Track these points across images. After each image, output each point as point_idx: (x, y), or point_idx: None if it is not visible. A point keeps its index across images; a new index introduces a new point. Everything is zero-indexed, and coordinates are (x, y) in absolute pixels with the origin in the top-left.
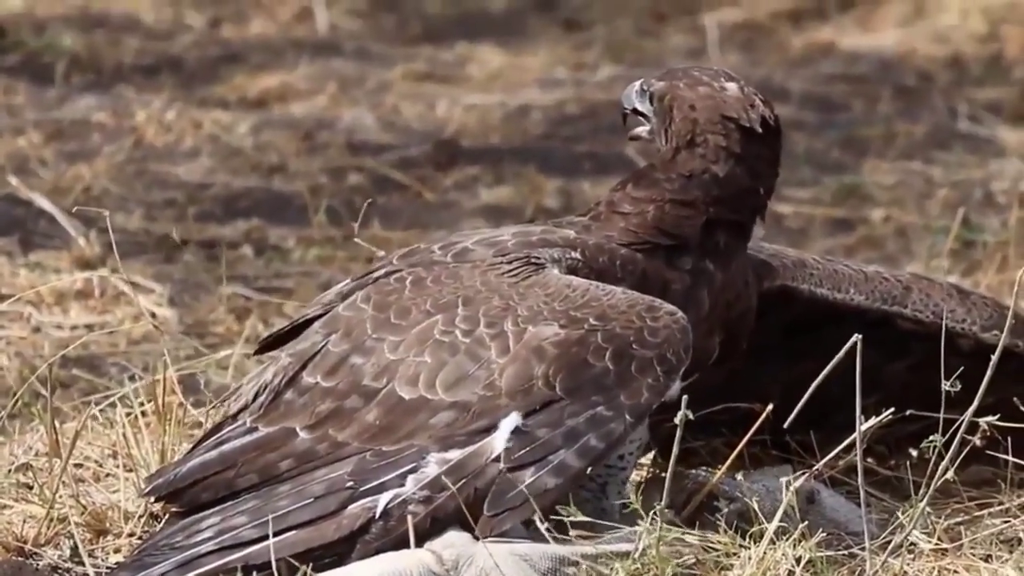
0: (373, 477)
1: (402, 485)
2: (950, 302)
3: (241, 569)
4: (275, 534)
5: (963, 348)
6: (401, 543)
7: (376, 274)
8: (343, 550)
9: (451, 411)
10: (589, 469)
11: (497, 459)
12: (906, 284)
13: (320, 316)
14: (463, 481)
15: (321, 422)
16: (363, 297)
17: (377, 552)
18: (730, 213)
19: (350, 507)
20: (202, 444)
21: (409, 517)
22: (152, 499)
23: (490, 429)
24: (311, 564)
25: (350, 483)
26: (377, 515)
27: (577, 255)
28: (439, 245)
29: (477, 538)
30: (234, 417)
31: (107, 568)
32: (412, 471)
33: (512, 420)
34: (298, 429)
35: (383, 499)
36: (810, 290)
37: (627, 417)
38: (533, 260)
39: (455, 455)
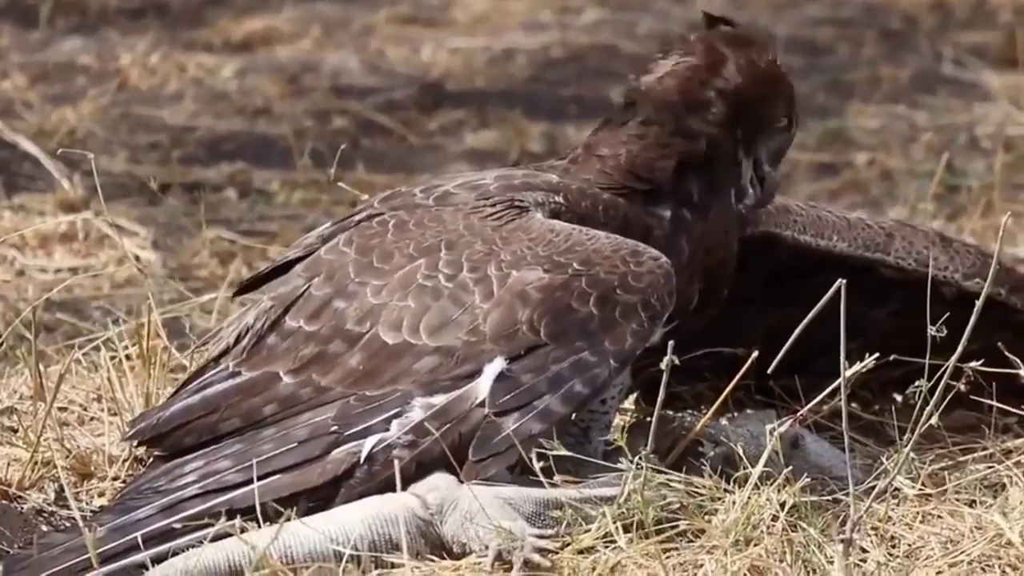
0: (357, 422)
1: (387, 430)
2: (933, 250)
3: (225, 513)
4: (259, 478)
5: (946, 295)
6: (386, 487)
7: (357, 217)
8: (327, 494)
9: (435, 356)
10: (573, 415)
11: (482, 404)
12: (889, 231)
13: (301, 259)
14: (447, 426)
15: (304, 366)
16: (345, 240)
17: (361, 496)
18: (696, 157)
19: (334, 452)
20: (185, 388)
21: (396, 462)
22: (135, 443)
23: (474, 374)
24: (295, 508)
25: (334, 427)
26: (362, 459)
27: (560, 199)
28: (421, 188)
29: (462, 482)
30: (216, 361)
31: (91, 511)
32: (396, 416)
33: (496, 365)
34: (281, 373)
35: (368, 443)
36: (793, 237)
37: (611, 362)
38: (516, 203)
39: (439, 400)
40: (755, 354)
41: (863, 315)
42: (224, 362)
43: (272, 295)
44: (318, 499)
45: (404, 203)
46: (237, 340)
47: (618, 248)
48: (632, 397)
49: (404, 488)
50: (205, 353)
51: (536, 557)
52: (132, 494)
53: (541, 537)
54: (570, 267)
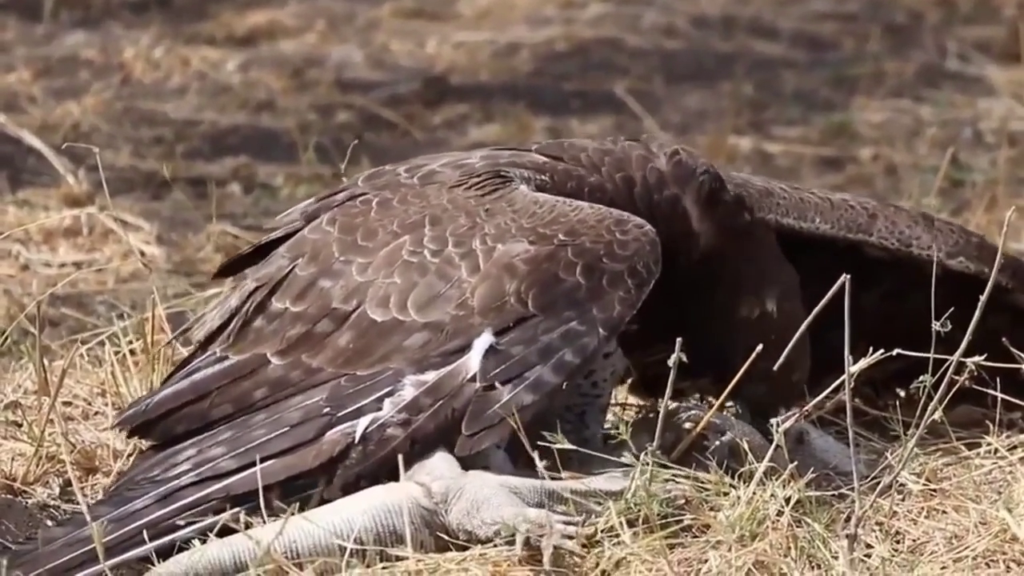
0: (349, 402)
1: (379, 409)
2: (915, 229)
3: (222, 500)
4: (253, 464)
5: (931, 275)
6: (382, 467)
7: (340, 196)
8: (323, 477)
9: (424, 332)
10: (564, 384)
11: (473, 379)
12: (872, 212)
13: (284, 239)
14: (440, 402)
15: (292, 347)
16: (328, 220)
17: (358, 478)
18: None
19: (328, 433)
20: (173, 376)
21: (394, 436)
22: (125, 432)
23: (464, 349)
24: (291, 494)
25: (326, 409)
26: (356, 440)
27: (546, 178)
28: (405, 168)
29: (462, 464)
30: (203, 347)
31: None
32: (389, 394)
33: (486, 339)
34: (269, 355)
35: (361, 424)
36: (776, 220)
37: (600, 331)
38: (501, 174)
39: (431, 376)
40: (759, 348)
41: (855, 299)
42: (211, 347)
43: (256, 276)
44: (314, 482)
45: (388, 182)
46: (222, 325)
47: (603, 218)
48: (626, 388)
49: (404, 469)
50: (188, 338)
51: (568, 543)
52: (128, 485)
53: (568, 523)
54: (556, 238)
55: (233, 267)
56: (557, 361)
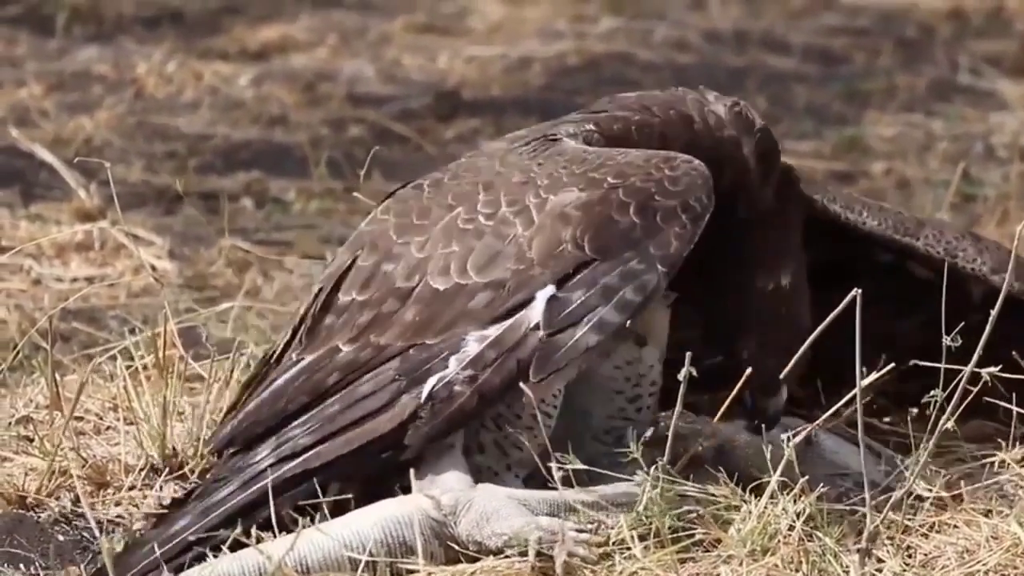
0: (420, 368)
1: (446, 367)
2: (963, 242)
3: (301, 476)
4: (331, 435)
5: (975, 296)
6: (451, 424)
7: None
8: (395, 439)
9: (487, 291)
10: (628, 323)
11: (536, 327)
12: (920, 220)
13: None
14: (504, 355)
15: (362, 333)
16: (383, 209)
17: (428, 439)
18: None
19: (401, 398)
20: (255, 391)
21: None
22: (218, 453)
23: (528, 302)
24: (368, 462)
25: (397, 378)
26: (422, 399)
27: (591, 126)
28: (451, 164)
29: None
30: (279, 359)
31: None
32: (454, 352)
33: (548, 290)
34: (340, 345)
35: (428, 384)
36: (823, 203)
37: (659, 267)
38: (549, 136)
39: (493, 331)
40: (748, 371)
41: (890, 326)
42: (287, 356)
43: (320, 278)
44: (387, 446)
45: (439, 170)
46: (294, 333)
47: (650, 157)
48: None
49: (470, 420)
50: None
51: (581, 551)
52: (215, 478)
53: (580, 532)
54: (605, 181)
55: None
56: (619, 301)
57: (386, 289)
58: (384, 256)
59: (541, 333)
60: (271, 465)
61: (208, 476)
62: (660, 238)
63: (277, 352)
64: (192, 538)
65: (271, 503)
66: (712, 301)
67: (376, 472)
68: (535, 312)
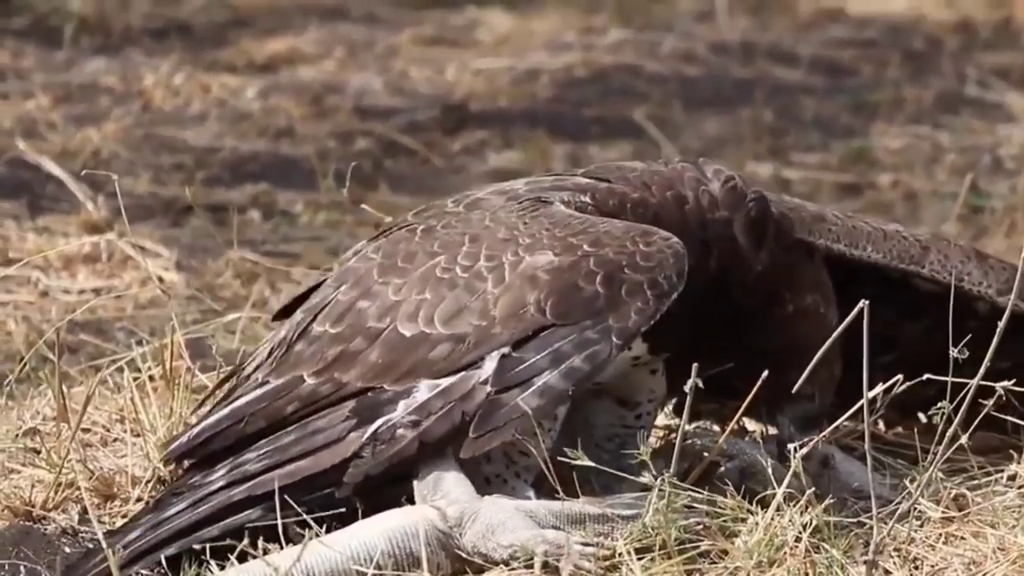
0: (372, 411)
1: (394, 411)
2: (968, 264)
3: (246, 502)
4: (279, 465)
5: (980, 311)
6: (391, 467)
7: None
8: (336, 477)
9: (448, 343)
10: (571, 391)
11: (485, 382)
12: (924, 244)
13: None
14: (451, 404)
15: (328, 367)
16: (373, 248)
17: (367, 477)
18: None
19: (348, 436)
20: (217, 406)
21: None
22: (172, 464)
23: (483, 358)
24: (310, 493)
25: (350, 416)
26: (365, 439)
27: (587, 199)
28: (452, 199)
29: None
30: (247, 377)
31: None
32: (403, 396)
33: (504, 350)
34: (305, 376)
35: (374, 425)
36: (827, 245)
37: (614, 339)
38: (543, 199)
39: (444, 381)
40: (764, 374)
41: (896, 328)
42: (254, 375)
43: (304, 308)
44: (328, 482)
45: (435, 212)
46: (269, 354)
47: (629, 229)
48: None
49: (407, 469)
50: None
51: (587, 564)
52: (171, 493)
53: (586, 545)
54: (580, 248)
55: (290, 308)
56: (567, 368)
57: (357, 326)
58: (362, 293)
59: (489, 388)
60: (221, 488)
61: (168, 488)
62: (621, 311)
63: (248, 371)
64: (137, 555)
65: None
66: (741, 358)
67: (316, 506)
68: (486, 368)
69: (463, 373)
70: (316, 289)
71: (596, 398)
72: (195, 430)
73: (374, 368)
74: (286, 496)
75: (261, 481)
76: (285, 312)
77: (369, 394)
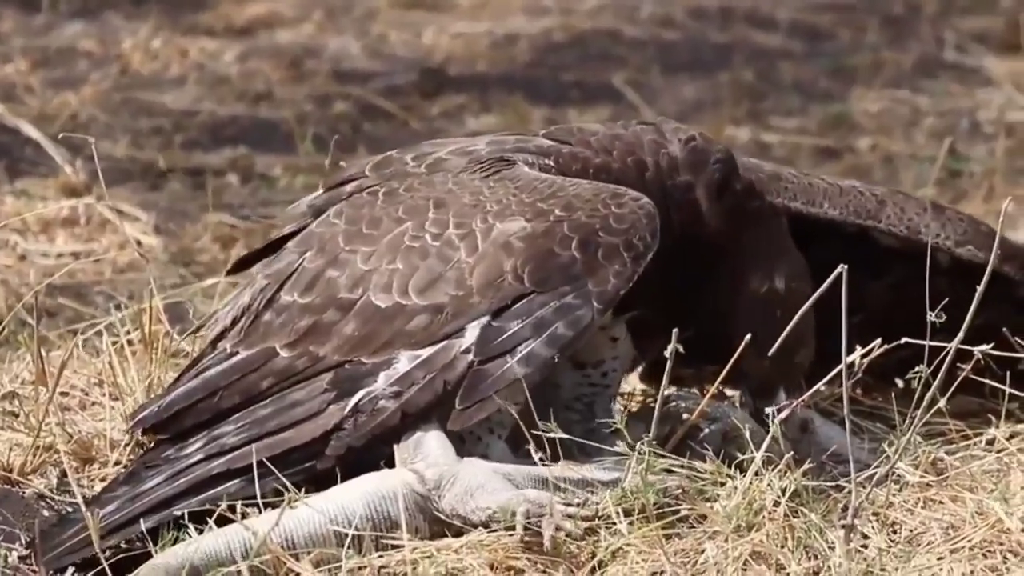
0: (351, 383)
1: (375, 383)
2: (924, 216)
3: (224, 475)
4: (257, 438)
5: (941, 264)
6: (373, 439)
7: (348, 188)
8: (317, 449)
9: (426, 314)
10: (556, 357)
11: (467, 351)
12: (880, 198)
13: (294, 234)
14: (432, 375)
15: (300, 339)
16: (335, 212)
17: (349, 449)
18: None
19: (328, 408)
20: (185, 374)
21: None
22: (139, 432)
23: (463, 328)
24: (290, 467)
25: (328, 389)
26: (347, 411)
27: (550, 162)
28: (412, 155)
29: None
30: (214, 344)
31: (93, 495)
32: (384, 368)
33: (484, 320)
34: (278, 348)
35: (355, 397)
36: (784, 204)
37: (595, 304)
38: (505, 158)
39: (425, 352)
40: (747, 337)
41: (862, 288)
42: (222, 344)
43: (266, 272)
44: (310, 454)
45: (396, 172)
46: (233, 322)
47: (599, 191)
48: (637, 375)
49: (390, 440)
50: (203, 337)
51: (568, 524)
52: (145, 465)
53: (568, 506)
54: (552, 213)
55: (244, 263)
56: (550, 335)
57: (328, 296)
58: (330, 261)
59: (471, 358)
60: (199, 461)
61: (139, 461)
62: (600, 275)
63: (211, 337)
64: (112, 528)
65: (196, 498)
66: (705, 318)
67: (296, 479)
68: (468, 337)
69: (444, 343)
70: (274, 247)
71: None
72: (164, 400)
73: (350, 341)
74: (267, 467)
75: (240, 454)
76: (239, 267)
77: (347, 366)
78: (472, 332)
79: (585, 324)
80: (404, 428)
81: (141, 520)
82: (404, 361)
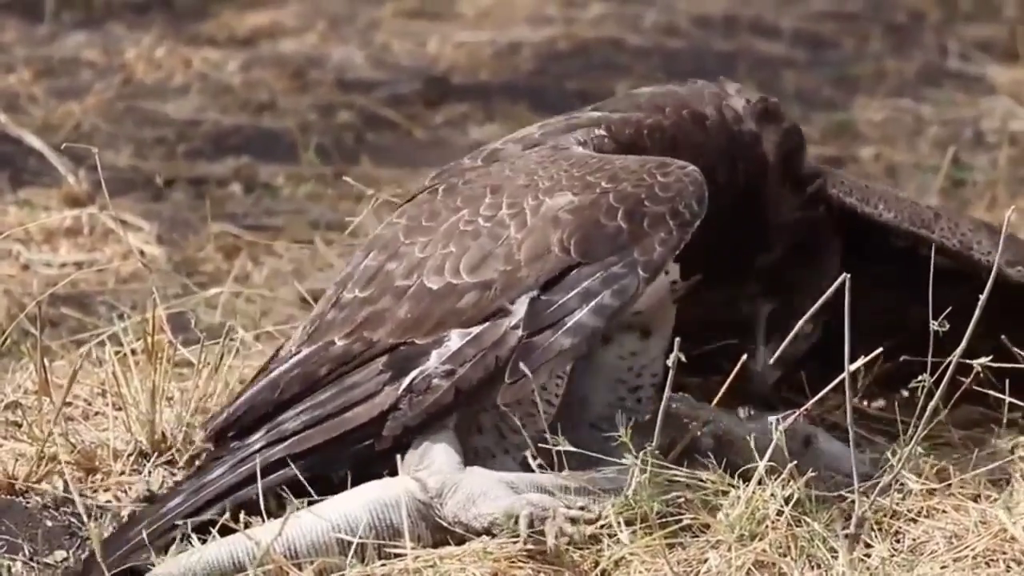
0: (405, 364)
1: (427, 362)
2: (977, 233)
3: (285, 460)
4: (316, 422)
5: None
6: (429, 417)
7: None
8: (375, 430)
9: (475, 291)
10: (603, 327)
11: (516, 326)
12: (936, 211)
13: None
14: (484, 352)
15: (357, 327)
16: (398, 213)
17: (406, 429)
18: None
19: (384, 389)
20: (254, 381)
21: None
22: (212, 442)
23: (512, 303)
24: (349, 446)
25: (383, 371)
26: (401, 391)
27: (602, 131)
28: (468, 156)
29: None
30: (279, 354)
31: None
32: (436, 347)
33: (532, 292)
34: (336, 340)
35: (409, 376)
36: (839, 196)
37: (640, 272)
38: (560, 146)
39: (476, 329)
40: (744, 357)
41: (903, 310)
42: (287, 346)
43: (335, 280)
44: (367, 435)
45: (454, 171)
46: (303, 330)
47: (645, 162)
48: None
49: (446, 415)
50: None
51: (569, 528)
52: (210, 460)
53: (571, 510)
54: (598, 186)
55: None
56: (597, 304)
57: (385, 286)
58: (390, 256)
59: (521, 332)
60: (260, 449)
61: (208, 456)
62: (645, 243)
63: (283, 353)
64: (179, 520)
65: (258, 484)
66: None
67: (354, 460)
68: (517, 312)
69: (494, 320)
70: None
71: (622, 332)
72: (232, 407)
73: (403, 324)
74: (327, 450)
75: (300, 439)
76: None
77: (401, 348)
78: (521, 306)
79: (631, 293)
80: (458, 405)
81: (203, 512)
82: (455, 339)
